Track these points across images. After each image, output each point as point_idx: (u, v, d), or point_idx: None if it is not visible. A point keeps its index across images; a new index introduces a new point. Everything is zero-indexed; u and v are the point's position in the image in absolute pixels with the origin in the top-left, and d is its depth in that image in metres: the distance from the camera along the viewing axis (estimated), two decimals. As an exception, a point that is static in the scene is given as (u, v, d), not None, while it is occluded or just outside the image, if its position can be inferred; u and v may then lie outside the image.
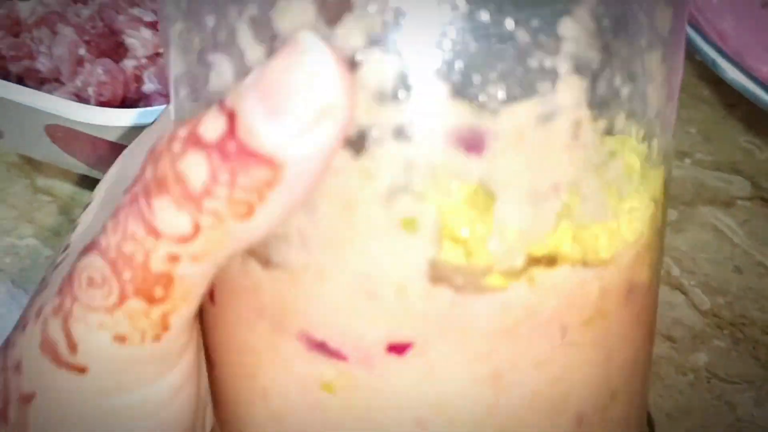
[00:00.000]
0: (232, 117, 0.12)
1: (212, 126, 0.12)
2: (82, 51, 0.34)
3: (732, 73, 0.38)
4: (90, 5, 0.35)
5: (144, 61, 0.35)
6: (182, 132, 0.12)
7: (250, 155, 0.12)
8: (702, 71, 0.46)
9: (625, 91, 0.14)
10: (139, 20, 0.35)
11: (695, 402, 0.32)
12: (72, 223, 0.36)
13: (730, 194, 0.40)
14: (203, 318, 0.16)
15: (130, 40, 0.35)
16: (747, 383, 0.33)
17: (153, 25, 0.35)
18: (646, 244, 0.15)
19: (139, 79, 0.35)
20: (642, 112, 0.14)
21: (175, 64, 0.14)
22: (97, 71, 0.34)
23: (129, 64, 0.35)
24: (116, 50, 0.35)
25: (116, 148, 0.31)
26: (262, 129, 0.12)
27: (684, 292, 0.36)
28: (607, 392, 0.16)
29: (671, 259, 0.37)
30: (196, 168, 0.12)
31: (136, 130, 0.29)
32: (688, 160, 0.42)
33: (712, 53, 0.38)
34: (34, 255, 0.35)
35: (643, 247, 0.15)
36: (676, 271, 0.36)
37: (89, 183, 0.38)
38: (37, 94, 0.30)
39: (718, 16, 0.43)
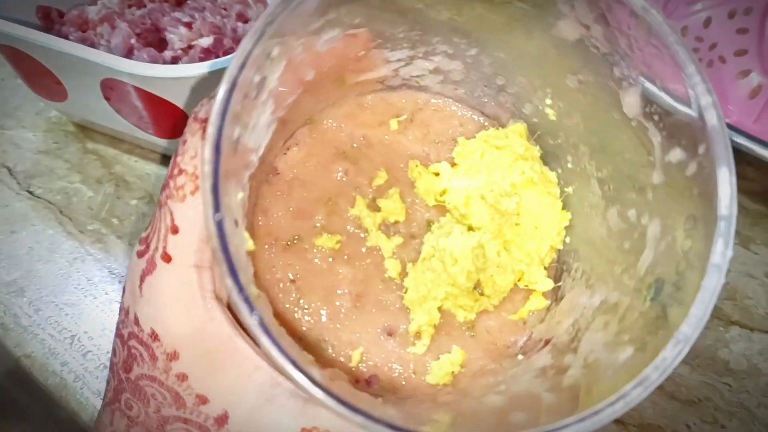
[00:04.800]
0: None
1: None
2: (133, 41, 0.43)
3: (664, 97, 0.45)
4: (141, 9, 0.45)
5: (179, 52, 0.43)
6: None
7: None
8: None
9: None
10: (178, 21, 0.43)
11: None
12: (110, 176, 0.44)
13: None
14: None
15: (170, 36, 0.44)
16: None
17: (188, 25, 0.44)
18: None
19: (175, 63, 0.43)
20: None
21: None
22: (143, 57, 0.42)
23: (167, 54, 0.43)
24: (159, 43, 0.44)
25: (156, 105, 0.39)
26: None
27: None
28: None
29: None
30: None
31: (171, 81, 0.36)
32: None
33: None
34: (79, 194, 0.43)
35: None
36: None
37: (126, 147, 0.46)
38: (95, 52, 0.36)
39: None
